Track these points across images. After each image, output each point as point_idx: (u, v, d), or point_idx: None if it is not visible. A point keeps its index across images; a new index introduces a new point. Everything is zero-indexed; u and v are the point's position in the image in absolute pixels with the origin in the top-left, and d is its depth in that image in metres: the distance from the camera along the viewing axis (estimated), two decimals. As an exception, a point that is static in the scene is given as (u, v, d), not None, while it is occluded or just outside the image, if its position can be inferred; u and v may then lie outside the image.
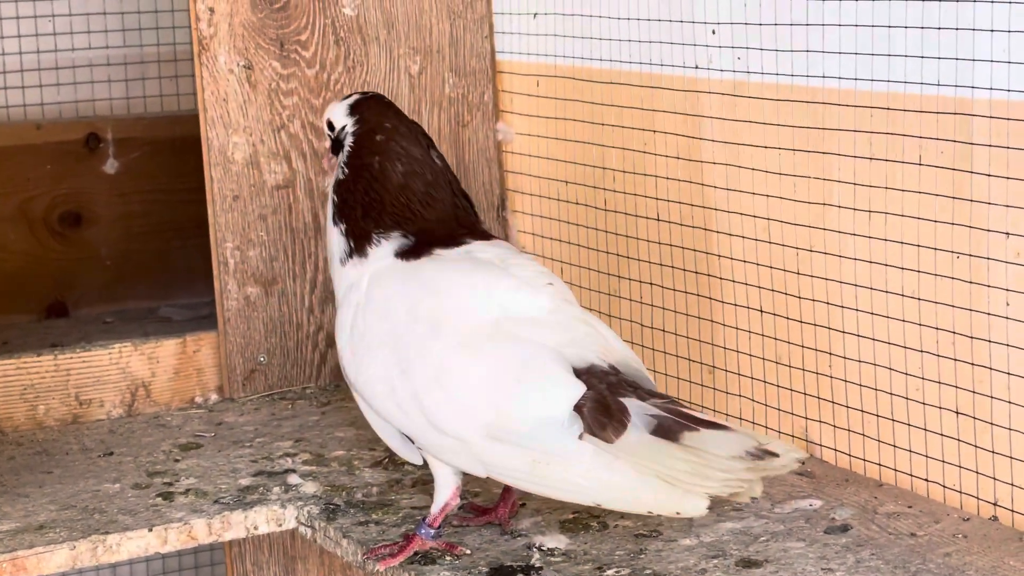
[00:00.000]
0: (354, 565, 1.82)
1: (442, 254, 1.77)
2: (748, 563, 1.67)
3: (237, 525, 1.92)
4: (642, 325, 2.24)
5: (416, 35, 2.43)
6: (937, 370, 1.79)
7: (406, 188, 1.79)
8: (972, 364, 1.75)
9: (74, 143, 2.82)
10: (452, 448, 1.72)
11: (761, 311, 2.03)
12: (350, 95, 1.88)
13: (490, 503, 1.87)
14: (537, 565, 1.71)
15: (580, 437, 1.63)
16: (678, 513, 1.62)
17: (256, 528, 1.93)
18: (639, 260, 2.23)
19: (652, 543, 1.75)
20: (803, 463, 1.68)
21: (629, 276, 2.26)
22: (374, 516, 1.88)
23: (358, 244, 1.79)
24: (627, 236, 2.25)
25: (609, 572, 1.68)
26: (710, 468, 1.60)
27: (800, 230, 1.96)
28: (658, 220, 2.18)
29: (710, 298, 2.11)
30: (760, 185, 2.01)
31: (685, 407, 1.66)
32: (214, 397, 2.36)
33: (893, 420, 1.86)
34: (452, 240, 1.78)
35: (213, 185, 2.33)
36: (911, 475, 1.84)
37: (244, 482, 2.00)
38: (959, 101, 1.72)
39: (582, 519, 1.82)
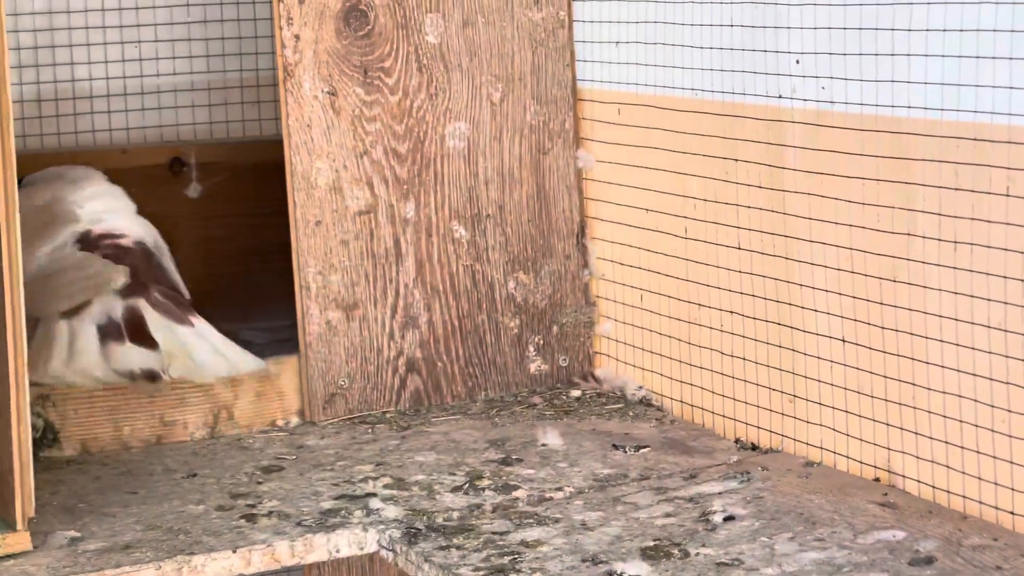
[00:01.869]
0: (435, 589, 1.83)
1: None
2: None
3: (320, 548, 1.93)
4: (722, 353, 2.24)
5: (498, 63, 2.44)
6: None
7: None
8: (1059, 396, 1.74)
9: (158, 167, 2.85)
10: None
11: (844, 341, 2.03)
12: None
13: None
14: (619, 592, 1.71)
15: None
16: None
17: (338, 551, 1.94)
18: (720, 288, 2.23)
19: (734, 571, 1.75)
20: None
21: (710, 304, 2.26)
22: (455, 541, 1.89)
23: None
24: (708, 265, 2.25)
25: (691, 600, 1.68)
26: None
27: (884, 260, 1.95)
28: (739, 248, 2.19)
29: (791, 327, 2.11)
30: (843, 215, 2.01)
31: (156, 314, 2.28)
32: (295, 420, 2.37)
33: (979, 452, 1.85)
34: None
35: (296, 210, 2.35)
36: (997, 508, 1.83)
37: (326, 505, 2.02)
38: (1048, 132, 1.72)
39: (663, 547, 1.83)
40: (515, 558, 1.82)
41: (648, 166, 2.36)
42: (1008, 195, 1.77)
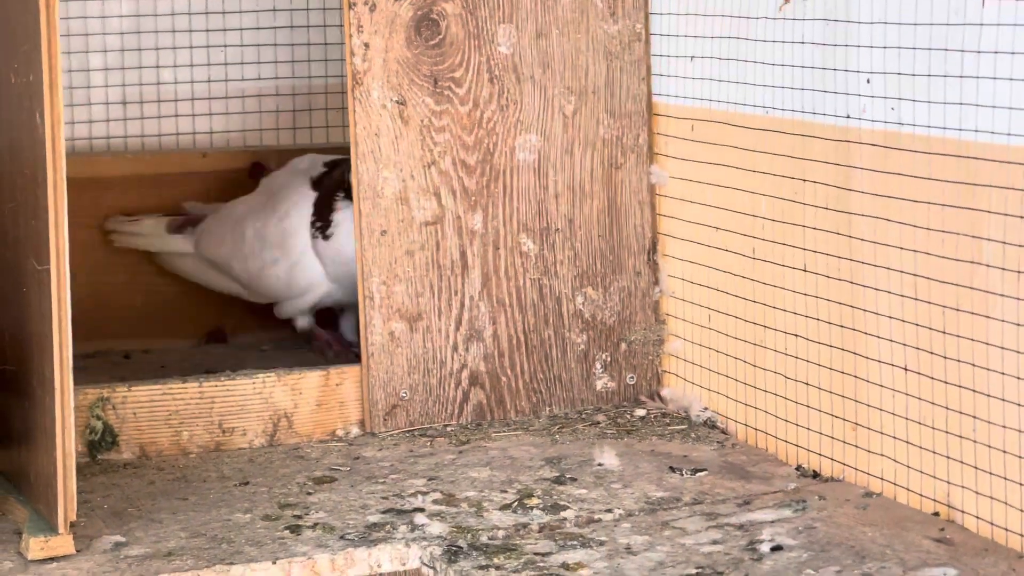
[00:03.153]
0: (471, 610, 1.80)
1: None
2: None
3: (361, 562, 1.92)
4: (786, 377, 2.19)
5: (571, 75, 2.41)
6: (1083, 440, 1.72)
7: None
8: (1119, 436, 1.68)
9: (238, 172, 2.86)
10: None
11: (906, 369, 1.97)
12: None
13: None
14: (653, 621, 1.67)
15: None
16: None
17: (379, 566, 1.92)
18: (785, 311, 2.18)
19: (774, 605, 1.70)
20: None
21: (775, 327, 2.21)
22: (495, 560, 1.86)
23: None
24: (774, 286, 2.20)
25: (726, 633, 1.64)
26: None
27: (948, 288, 1.89)
28: (805, 271, 2.14)
29: (855, 353, 2.06)
30: (908, 240, 1.95)
31: None
32: (355, 431, 2.36)
33: (1036, 490, 1.78)
34: None
35: (362, 219, 2.34)
36: (1052, 548, 1.77)
37: (372, 519, 2.00)
38: (1113, 161, 1.65)
39: (705, 574, 1.78)
40: (554, 581, 1.79)
41: (719, 184, 2.31)
42: (1072, 225, 1.71)
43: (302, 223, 2.61)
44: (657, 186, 2.47)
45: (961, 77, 1.85)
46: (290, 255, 2.62)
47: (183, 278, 2.83)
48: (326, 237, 2.59)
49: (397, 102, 2.34)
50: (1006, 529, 1.83)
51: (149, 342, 2.81)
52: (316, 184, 2.63)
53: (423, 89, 2.34)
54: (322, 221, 2.60)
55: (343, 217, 2.57)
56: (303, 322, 2.73)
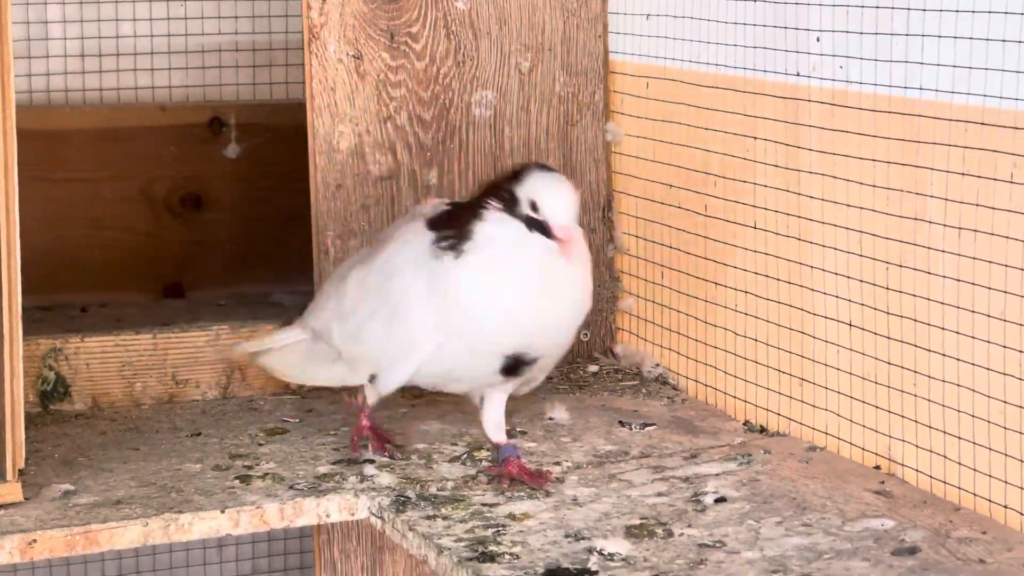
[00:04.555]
0: (415, 558, 1.82)
1: None
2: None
3: (309, 512, 1.93)
4: (736, 334, 2.21)
5: (528, 32, 2.42)
6: (1020, 394, 1.74)
7: None
8: (1054, 390, 1.70)
9: (198, 127, 2.86)
10: None
11: (851, 325, 1.99)
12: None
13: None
14: (594, 569, 1.69)
15: None
16: None
17: (328, 516, 1.94)
18: (735, 268, 2.20)
19: (715, 554, 1.72)
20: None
21: (726, 284, 2.23)
22: (443, 511, 1.88)
23: None
24: (725, 244, 2.22)
25: (665, 581, 1.66)
26: None
27: (892, 244, 1.91)
28: (755, 228, 2.15)
29: (802, 310, 2.08)
30: (855, 197, 1.97)
31: None
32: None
33: (975, 443, 1.81)
34: None
35: (317, 173, 2.35)
36: (989, 500, 1.79)
37: (322, 470, 2.02)
38: (1053, 118, 1.67)
39: (648, 526, 1.80)
40: (499, 531, 1.81)
41: (673, 141, 2.33)
42: (1012, 182, 1.73)
43: (409, 259, 1.94)
44: (612, 143, 2.48)
45: (907, 35, 1.86)
46: (389, 299, 1.96)
47: (141, 230, 2.83)
48: (458, 253, 1.90)
49: (353, 56, 2.34)
50: (944, 482, 1.86)
51: (106, 296, 2.81)
52: (434, 224, 1.95)
53: (379, 44, 2.35)
54: (455, 232, 1.91)
55: (492, 232, 1.89)
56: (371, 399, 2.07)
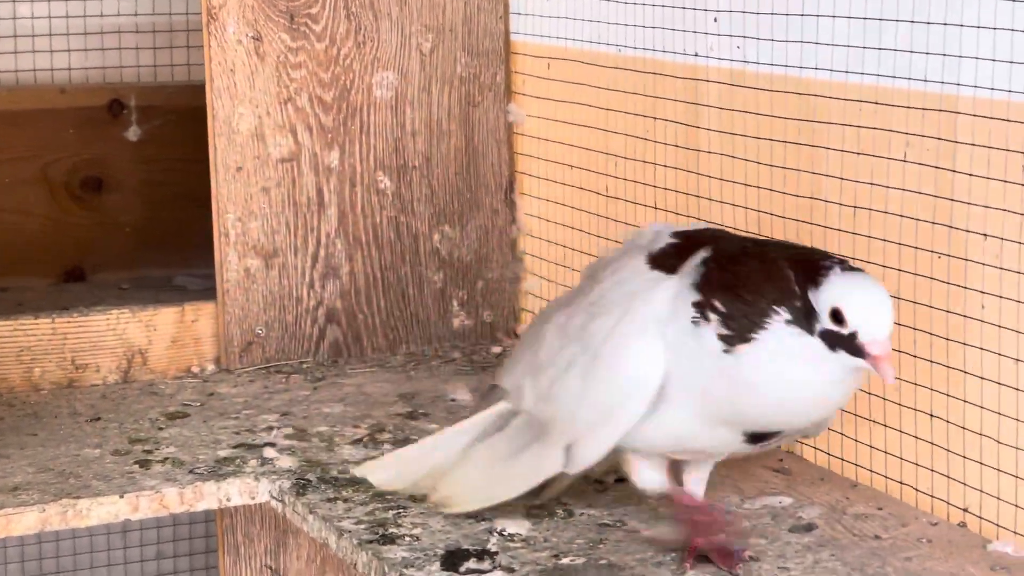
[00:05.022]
0: (318, 541, 1.81)
1: None
2: (703, 557, 1.65)
3: (210, 496, 1.92)
4: (637, 313, 2.21)
5: (429, 13, 2.41)
6: (914, 371, 1.76)
7: None
8: (947, 367, 1.72)
9: (97, 109, 2.82)
10: None
11: (750, 304, 2.00)
12: None
13: None
14: (494, 550, 1.69)
15: None
16: None
17: (228, 499, 1.93)
18: (637, 248, 2.20)
19: (614, 533, 1.73)
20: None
21: (627, 263, 2.23)
22: (344, 493, 1.87)
23: None
24: (627, 223, 2.23)
25: (565, 560, 1.66)
26: None
27: (789, 223, 1.93)
28: (655, 208, 2.16)
29: (702, 289, 2.08)
30: (753, 176, 1.98)
31: None
32: (211, 368, 2.36)
33: (871, 420, 1.82)
34: None
35: (217, 155, 2.33)
36: (885, 476, 1.81)
37: (223, 453, 2.00)
38: (945, 98, 1.69)
39: (550, 506, 1.81)
40: (399, 513, 1.80)
41: (575, 122, 2.33)
42: (905, 160, 1.75)
43: (622, 297, 1.60)
44: (514, 124, 2.48)
45: (802, 15, 1.88)
46: (591, 343, 1.60)
47: (41, 214, 2.80)
48: (732, 349, 1.52)
49: (253, 38, 2.32)
50: (841, 459, 1.88)
51: (6, 281, 2.77)
52: (657, 262, 1.61)
53: (279, 25, 2.33)
54: (734, 332, 1.53)
55: (781, 349, 1.51)
56: (647, 478, 1.68)
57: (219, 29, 2.31)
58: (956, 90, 1.67)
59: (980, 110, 1.64)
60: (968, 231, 1.67)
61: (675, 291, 1.55)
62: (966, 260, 1.68)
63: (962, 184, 1.67)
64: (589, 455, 1.62)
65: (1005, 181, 1.62)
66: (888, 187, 1.77)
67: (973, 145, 1.66)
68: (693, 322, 1.52)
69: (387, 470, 1.83)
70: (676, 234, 1.65)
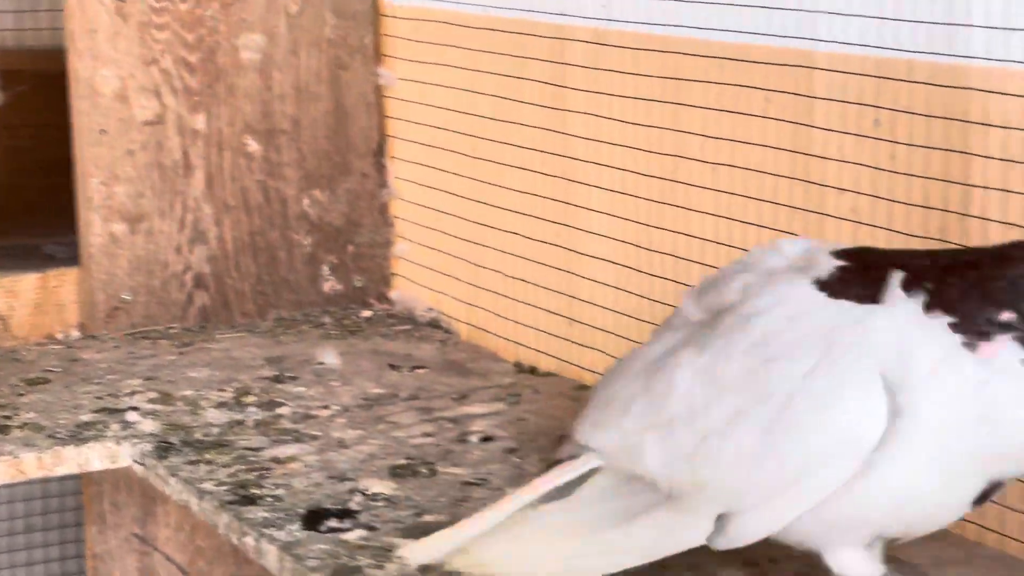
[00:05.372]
0: (179, 504, 1.79)
1: None
2: (567, 514, 1.65)
3: (69, 461, 1.89)
4: (506, 276, 2.21)
5: (296, -26, 2.39)
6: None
7: None
8: (807, 321, 1.73)
9: (-40, 73, 2.77)
10: None
11: (616, 264, 2.00)
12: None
13: None
14: (356, 509, 1.68)
15: None
16: None
17: (89, 463, 1.90)
18: (505, 210, 2.20)
19: (477, 491, 1.73)
20: None
21: (496, 226, 2.23)
22: (206, 456, 1.85)
23: None
24: (495, 185, 2.22)
25: (427, 518, 1.65)
26: None
27: (654, 182, 1.93)
28: (523, 170, 2.16)
29: (569, 249, 2.09)
30: (618, 135, 1.98)
31: None
32: (75, 334, 2.32)
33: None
34: None
35: (80, 118, 2.29)
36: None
37: (84, 418, 1.97)
38: (802, 53, 1.70)
39: (413, 465, 1.80)
40: (262, 474, 1.79)
41: (444, 84, 2.32)
42: (765, 116, 1.75)
43: (808, 335, 1.32)
44: (384, 87, 2.46)
45: (665, -27, 1.88)
46: (773, 394, 1.31)
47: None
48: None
49: (115, -2, 2.29)
50: (706, 416, 1.88)
51: None
52: (834, 289, 1.33)
53: (142, -15, 2.30)
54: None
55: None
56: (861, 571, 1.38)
57: (80, -11, 2.27)
58: (812, 45, 1.68)
59: (836, 65, 1.65)
60: (824, 186, 1.68)
61: (902, 321, 1.29)
62: (823, 215, 1.69)
63: (818, 139, 1.68)
64: (755, 529, 1.34)
65: (859, 135, 1.63)
66: (749, 143, 1.78)
67: (830, 100, 1.66)
68: (965, 346, 1.26)
69: (440, 550, 1.51)
70: (837, 253, 1.37)
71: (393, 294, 2.48)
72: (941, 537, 1.50)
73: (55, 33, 2.86)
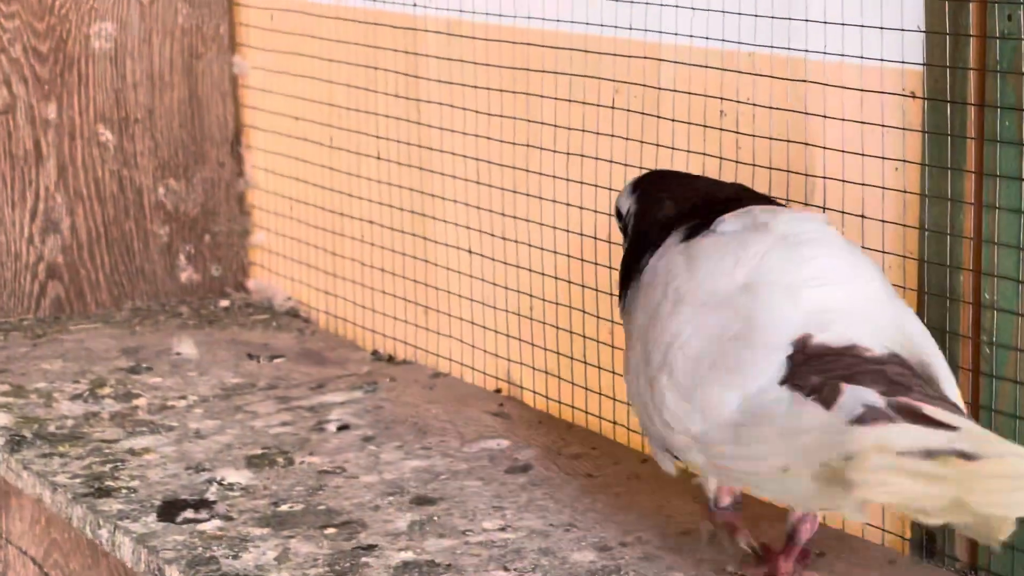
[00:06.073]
0: (32, 497, 1.79)
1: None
2: (423, 500, 1.67)
3: (-81, 456, 1.87)
4: (363, 264, 2.22)
5: (149, -37, 2.38)
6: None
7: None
8: (656, 308, 1.76)
9: None
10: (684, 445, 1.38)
11: (470, 252, 2.02)
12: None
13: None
14: (212, 499, 1.69)
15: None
16: None
17: (-60, 459, 1.88)
18: (361, 199, 2.21)
19: (334, 479, 1.74)
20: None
21: (352, 215, 2.24)
22: (60, 449, 1.84)
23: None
24: (351, 175, 2.23)
25: (283, 508, 1.66)
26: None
27: (507, 171, 1.95)
28: (378, 159, 2.17)
29: (425, 238, 2.10)
30: (471, 125, 2.00)
31: (929, 407, 1.22)
32: (-74, 327, 2.30)
33: (585, 363, 1.86)
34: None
35: (-73, 108, 2.27)
36: (600, 417, 1.85)
37: (-65, 412, 1.96)
38: (649, 46, 1.73)
39: (270, 455, 1.81)
40: (117, 466, 1.78)
41: (299, 74, 2.32)
42: (613, 107, 1.78)
43: None
44: (240, 77, 2.46)
45: (516, -35, 1.90)
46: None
47: None
48: None
49: (-37, -13, 2.26)
50: (559, 402, 1.91)
51: None
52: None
53: (-9, -26, 2.28)
54: None
55: None
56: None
57: (-73, -23, 2.24)
58: (659, 38, 1.71)
59: (681, 57, 1.68)
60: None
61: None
62: (672, 203, 1.72)
63: (666, 129, 1.72)
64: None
65: (705, 126, 1.66)
66: (598, 133, 1.80)
67: (675, 91, 1.70)
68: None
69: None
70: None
71: (251, 283, 2.48)
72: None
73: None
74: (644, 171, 1.65)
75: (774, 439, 1.27)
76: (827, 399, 1.24)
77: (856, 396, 1.23)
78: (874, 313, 1.32)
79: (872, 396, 1.23)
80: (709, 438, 1.33)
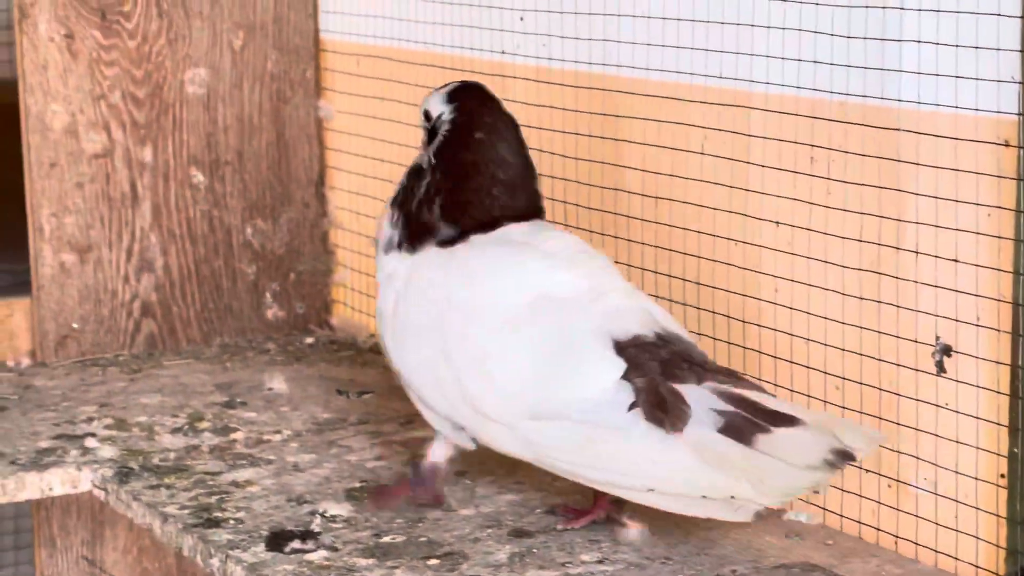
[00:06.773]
0: (134, 532, 1.85)
1: (478, 239, 1.74)
2: (520, 533, 1.73)
3: (32, 486, 1.94)
4: (448, 303, 2.29)
5: (239, 11, 2.46)
6: (713, 351, 1.86)
7: (490, 192, 1.76)
8: (744, 347, 1.82)
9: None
10: (500, 433, 1.71)
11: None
12: (448, 84, 1.82)
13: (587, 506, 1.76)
14: (317, 530, 1.75)
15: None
16: (732, 497, 1.54)
17: (51, 489, 1.95)
18: (447, 239, 2.28)
19: (432, 512, 1.80)
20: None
21: (438, 254, 2.30)
22: (166, 480, 1.91)
23: (415, 238, 1.79)
24: (437, 215, 2.29)
25: (386, 539, 1.73)
26: (777, 478, 1.50)
27: (594, 214, 2.02)
28: (465, 200, 2.23)
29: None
30: (559, 169, 2.07)
31: (751, 392, 1.54)
32: (26, 362, 2.37)
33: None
34: (490, 226, 1.75)
35: (30, 152, 2.35)
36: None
37: (43, 444, 2.03)
38: (738, 94, 1.79)
39: (369, 488, 1.87)
40: (223, 497, 1.85)
41: (383, 117, 2.40)
42: (703, 153, 1.85)
43: None
44: (324, 120, 2.54)
45: (604, 15, 1.97)
46: None
47: None
48: None
49: (65, 36, 2.35)
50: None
51: None
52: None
53: (91, 23, 2.36)
54: None
55: None
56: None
57: (31, 27, 2.33)
58: (749, 87, 1.77)
59: (771, 105, 1.75)
60: (761, 219, 1.78)
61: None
62: (760, 247, 1.78)
63: (755, 175, 1.78)
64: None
65: (794, 172, 1.73)
66: (687, 179, 1.87)
67: (765, 139, 1.76)
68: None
69: None
70: None
71: (334, 320, 2.55)
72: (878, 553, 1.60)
73: (7, 66, 2.91)
74: (732, 215, 1.72)
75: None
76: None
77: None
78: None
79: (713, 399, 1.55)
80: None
